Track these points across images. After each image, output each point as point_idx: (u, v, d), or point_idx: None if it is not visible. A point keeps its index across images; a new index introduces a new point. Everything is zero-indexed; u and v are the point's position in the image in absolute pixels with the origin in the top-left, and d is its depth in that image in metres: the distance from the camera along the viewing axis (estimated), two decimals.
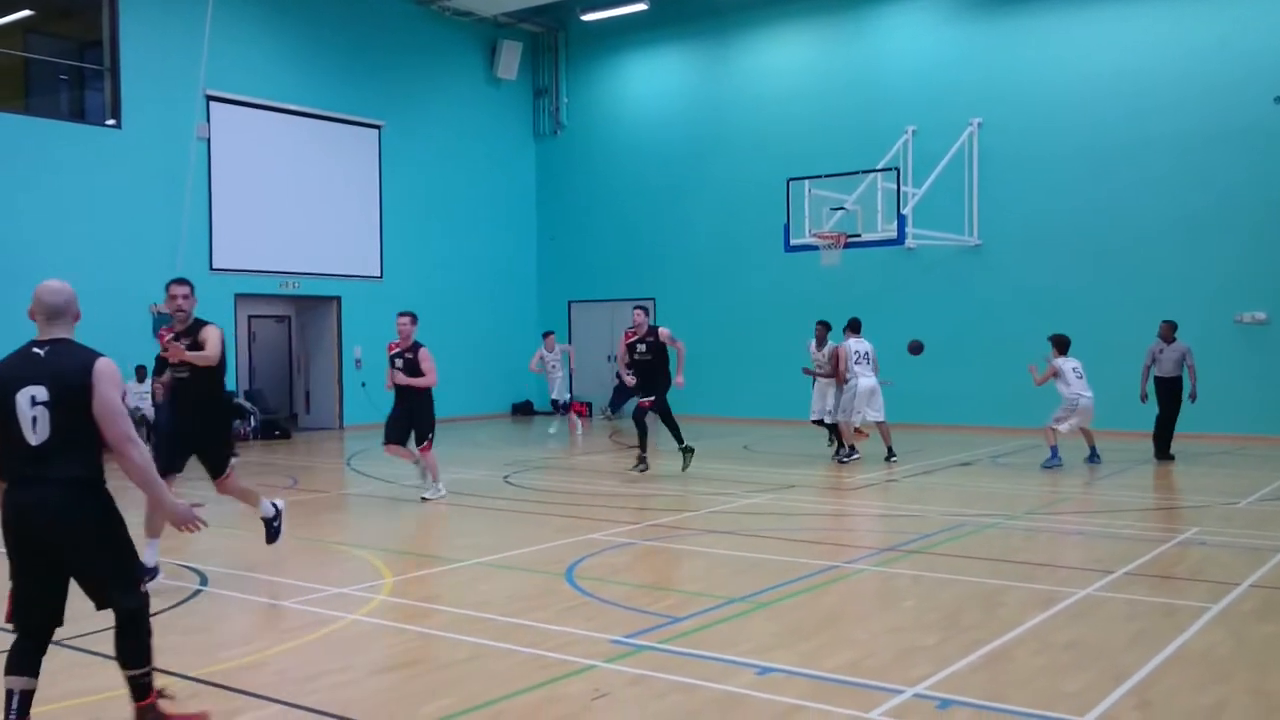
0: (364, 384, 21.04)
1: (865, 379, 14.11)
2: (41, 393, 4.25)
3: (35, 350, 4.40)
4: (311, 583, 7.48)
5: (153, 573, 7.19)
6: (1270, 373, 16.57)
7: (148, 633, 4.51)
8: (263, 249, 19.65)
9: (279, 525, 8.13)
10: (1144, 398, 14.21)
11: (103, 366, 4.32)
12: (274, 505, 8.11)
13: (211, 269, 18.86)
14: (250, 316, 20.64)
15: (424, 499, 11.30)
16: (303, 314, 21.47)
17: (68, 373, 4.27)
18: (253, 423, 19.04)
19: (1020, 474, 13.28)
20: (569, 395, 19.71)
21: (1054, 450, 13.58)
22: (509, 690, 5.12)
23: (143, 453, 4.31)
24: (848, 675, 5.29)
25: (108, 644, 5.95)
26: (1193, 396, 13.94)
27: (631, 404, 22.99)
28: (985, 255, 19.09)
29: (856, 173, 17.35)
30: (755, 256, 21.06)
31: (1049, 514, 10.32)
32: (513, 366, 24.17)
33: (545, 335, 19.36)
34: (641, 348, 13.02)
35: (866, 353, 14.32)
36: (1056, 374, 13.64)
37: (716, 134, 22.20)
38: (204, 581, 7.56)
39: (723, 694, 5.06)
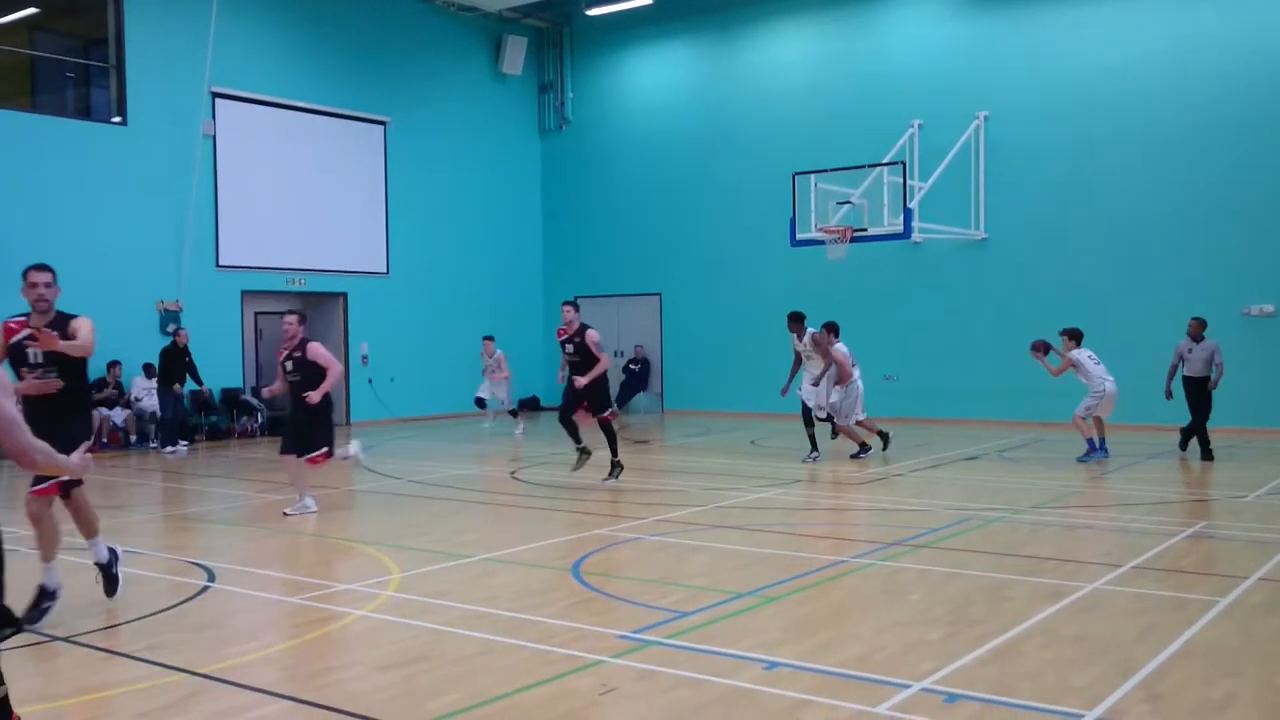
0: (371, 380, 21.09)
1: (860, 381, 14.35)
2: None
3: None
4: (319, 579, 7.49)
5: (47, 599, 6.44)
6: (1278, 365, 16.53)
7: None
8: (269, 246, 19.67)
9: (117, 573, 6.90)
10: (1169, 395, 13.88)
11: None
12: (111, 550, 6.91)
13: (218, 266, 18.90)
14: (256, 313, 20.67)
15: (286, 514, 10.22)
16: (309, 310, 21.41)
17: None
18: (259, 419, 19.08)
19: (1027, 468, 13.26)
20: (503, 399, 19.43)
21: (1091, 442, 13.54)
22: (516, 685, 5.12)
23: (42, 451, 3.74)
24: (855, 670, 5.29)
25: (114, 640, 5.99)
26: (1213, 385, 13.65)
27: (638, 401, 23.31)
28: (992, 249, 19.05)
29: (863, 167, 17.34)
30: (761, 251, 21.04)
31: (1056, 508, 10.30)
32: (519, 362, 24.16)
33: (484, 339, 19.54)
34: (569, 348, 12.15)
35: (851, 354, 14.44)
36: (1075, 365, 13.57)
37: (722, 128, 22.17)
38: (211, 578, 7.58)
39: (730, 689, 5.06)
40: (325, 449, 10.30)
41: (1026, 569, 7.56)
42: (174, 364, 16.68)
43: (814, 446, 13.97)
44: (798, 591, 7.01)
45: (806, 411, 14.14)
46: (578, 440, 12.16)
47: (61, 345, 6.34)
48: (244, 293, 19.43)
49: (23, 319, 6.71)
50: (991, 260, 19.08)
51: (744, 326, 21.52)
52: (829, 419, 14.25)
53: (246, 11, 19.30)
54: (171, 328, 17.65)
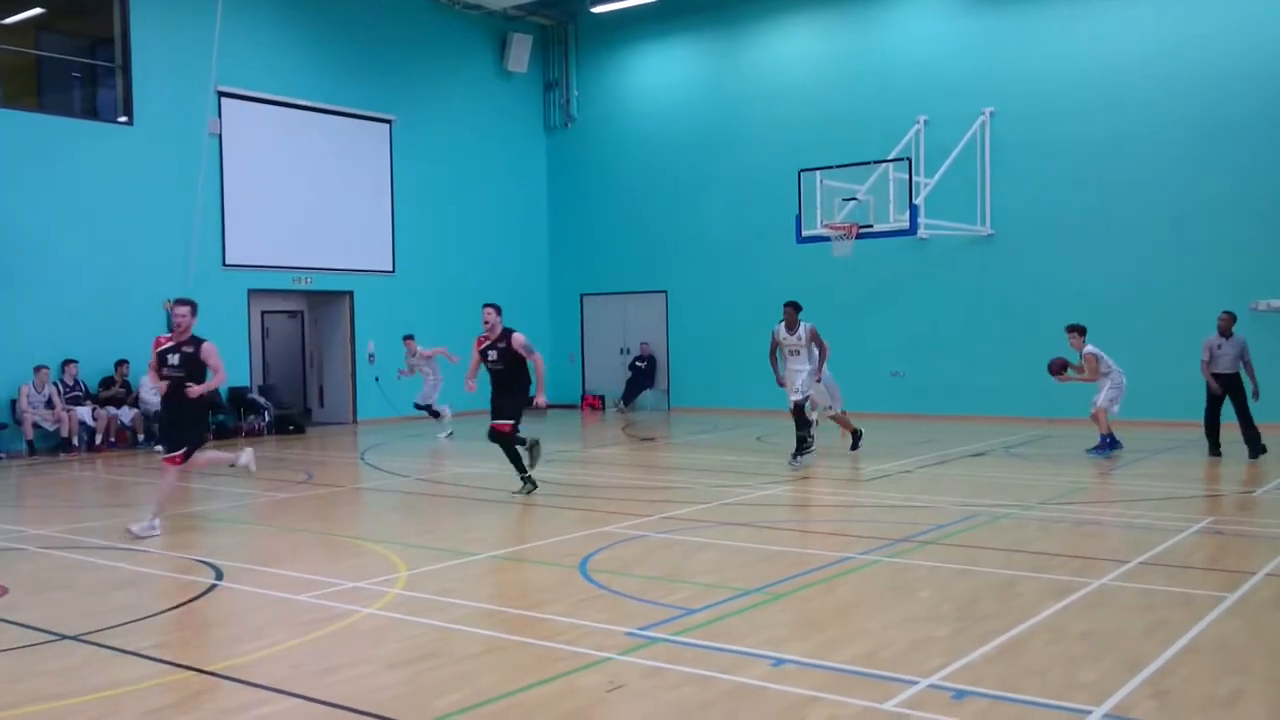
0: (377, 378, 21.11)
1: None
2: None
3: None
4: (327, 577, 7.51)
5: None
6: None
7: None
8: (275, 244, 19.70)
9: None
10: (1218, 389, 13.02)
11: None
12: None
13: (224, 265, 18.93)
14: (263, 312, 20.72)
15: (129, 530, 9.21)
16: (315, 309, 21.53)
17: None
18: (267, 418, 19.11)
19: (1034, 464, 13.24)
20: (432, 401, 18.20)
21: (1105, 437, 13.45)
22: (524, 683, 5.13)
23: None
24: (862, 666, 5.28)
25: (122, 638, 6.00)
26: (1255, 394, 12.94)
27: (646, 398, 23.31)
28: (998, 245, 19.02)
29: (868, 163, 17.31)
30: (767, 248, 21.02)
31: (1064, 504, 10.28)
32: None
33: (404, 340, 18.43)
34: (492, 355, 10.91)
35: None
36: (1097, 359, 13.39)
37: (727, 125, 22.16)
38: (219, 576, 7.59)
39: (737, 685, 5.06)
40: (184, 450, 9.33)
41: (1034, 565, 7.55)
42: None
43: (806, 448, 13.16)
44: (805, 588, 7.01)
45: (800, 409, 13.14)
46: (520, 442, 11.08)
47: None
48: (250, 291, 19.46)
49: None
50: (997, 256, 19.04)
51: (750, 323, 21.45)
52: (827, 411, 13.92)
53: (252, 10, 19.33)
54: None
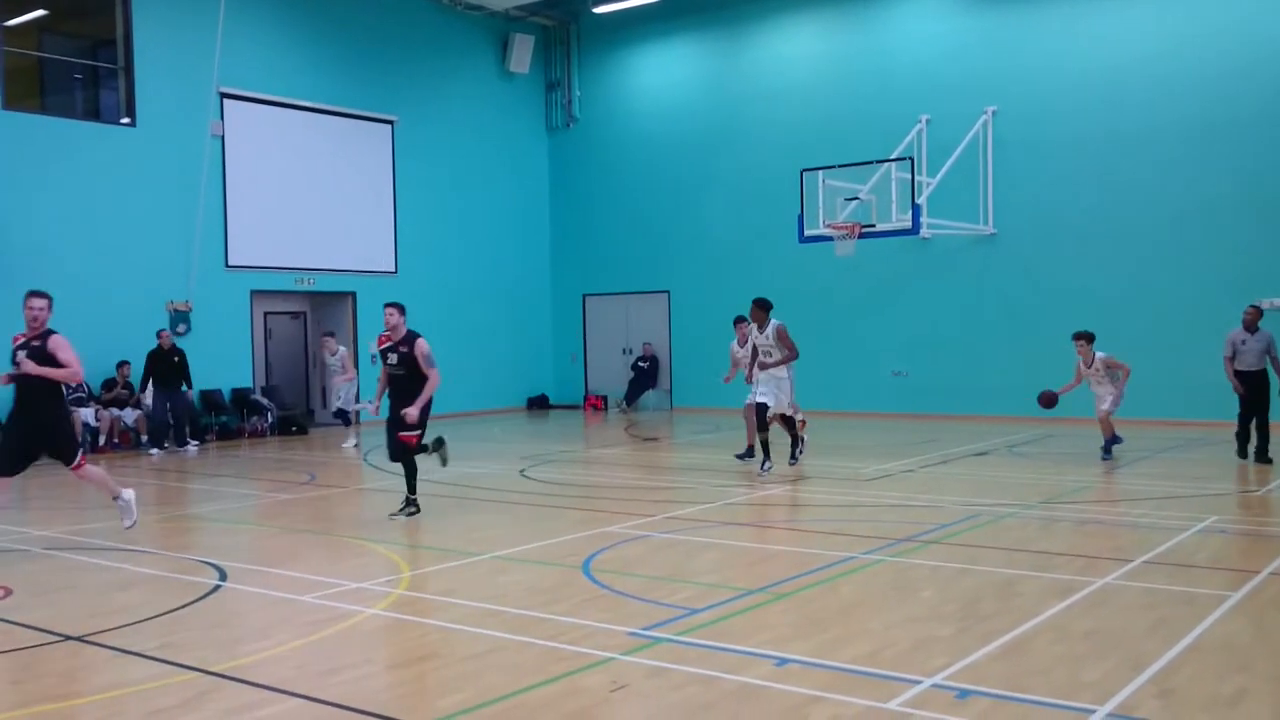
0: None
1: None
2: None
3: None
4: (330, 577, 7.51)
5: None
6: None
7: None
8: (278, 245, 19.72)
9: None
10: (1238, 389, 12.54)
11: None
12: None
13: (227, 266, 18.94)
14: (266, 313, 20.72)
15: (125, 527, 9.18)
16: (318, 310, 21.53)
17: None
18: (269, 419, 19.12)
19: (1037, 463, 13.23)
20: (356, 405, 17.00)
21: (1115, 439, 13.24)
22: (527, 683, 5.13)
23: None
24: (865, 666, 5.28)
25: (126, 639, 6.01)
26: None
27: (646, 398, 23.32)
28: (1001, 244, 19.00)
29: (870, 163, 17.30)
30: (769, 248, 21.01)
31: (1066, 503, 10.28)
32: (527, 360, 24.23)
33: (323, 336, 17.28)
34: (393, 358, 9.90)
35: None
36: (1109, 366, 13.05)
37: (729, 125, 22.16)
38: (223, 577, 7.60)
39: (740, 685, 5.06)
40: (79, 454, 8.80)
41: (1037, 564, 7.55)
42: (159, 366, 16.42)
43: (768, 455, 12.46)
44: (808, 588, 7.01)
45: (763, 415, 12.41)
46: (424, 449, 10.08)
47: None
48: (253, 292, 19.47)
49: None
50: (1000, 255, 19.03)
51: None
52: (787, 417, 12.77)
53: (254, 12, 19.34)
54: (183, 328, 17.68)
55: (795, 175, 17.80)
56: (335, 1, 20.67)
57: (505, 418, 22.14)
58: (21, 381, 8.48)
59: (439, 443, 10.20)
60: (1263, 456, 12.50)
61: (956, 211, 18.54)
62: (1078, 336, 13.18)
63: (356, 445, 16.77)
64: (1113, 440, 13.31)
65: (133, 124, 17.89)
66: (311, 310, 21.57)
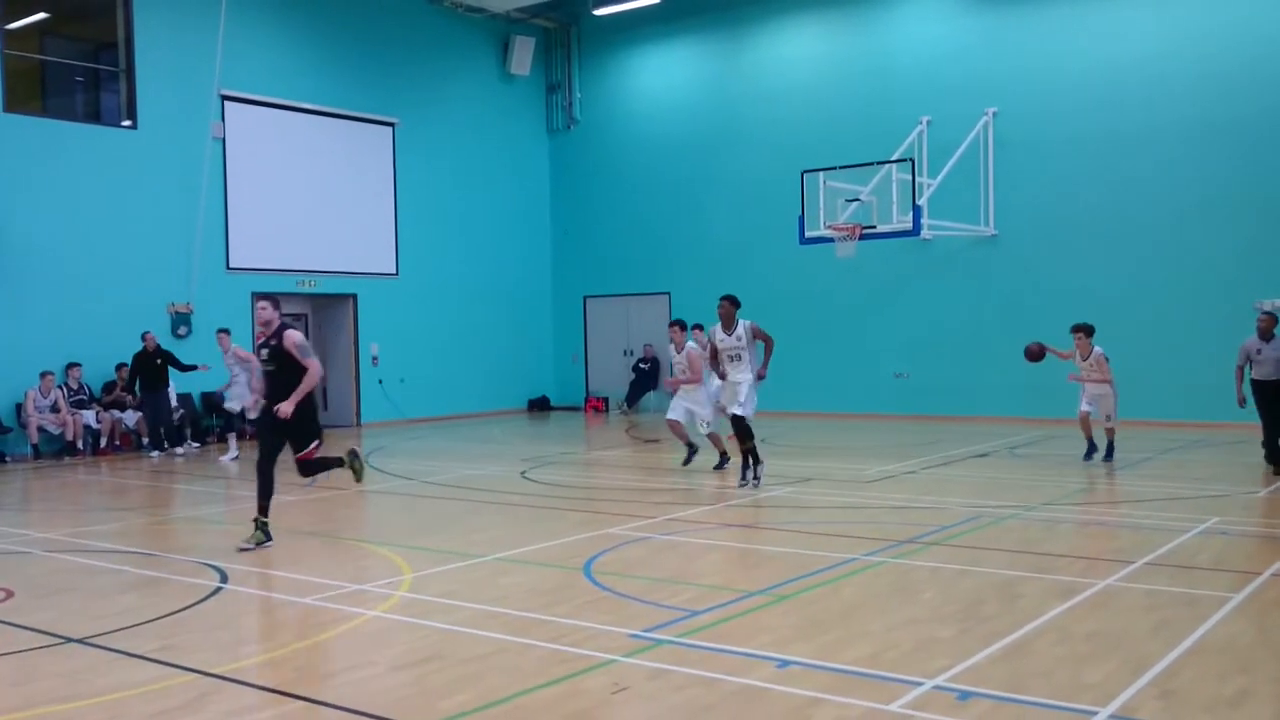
0: (381, 381, 21.14)
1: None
2: None
3: None
4: (331, 579, 7.51)
5: None
6: None
7: None
8: (279, 248, 19.73)
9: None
10: (1241, 402, 12.21)
11: None
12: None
13: (228, 268, 18.96)
14: None
15: None
16: (319, 312, 21.55)
17: None
18: None
19: (1038, 465, 13.22)
20: (239, 407, 15.52)
21: (1109, 444, 13.04)
22: (528, 685, 5.13)
23: None
24: (867, 668, 5.28)
25: (127, 642, 6.01)
26: None
27: (647, 400, 23.29)
28: (1001, 245, 19.00)
29: (871, 164, 17.29)
30: (770, 249, 21.02)
31: (1068, 505, 10.27)
32: (528, 362, 24.23)
33: (218, 333, 15.76)
34: (264, 354, 9.00)
35: None
36: (1108, 362, 12.91)
37: (730, 127, 22.16)
38: (224, 579, 7.60)
39: (742, 687, 5.06)
40: None
41: (1039, 566, 7.54)
42: (146, 368, 16.22)
43: (760, 459, 11.79)
44: (809, 590, 7.00)
45: (740, 424, 11.58)
46: (338, 462, 9.44)
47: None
48: (254, 295, 19.45)
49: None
50: (1001, 257, 19.03)
51: None
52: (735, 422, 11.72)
53: (255, 14, 19.36)
54: (184, 330, 17.68)
55: (796, 177, 17.80)
56: (336, 4, 20.69)
57: (506, 419, 22.13)
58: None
59: (353, 455, 9.49)
60: (1276, 462, 12.11)
61: (957, 213, 18.54)
62: (1077, 329, 13.02)
63: (235, 458, 15.50)
64: (1092, 447, 13.08)
65: (134, 126, 17.91)
66: (313, 312, 21.58)
